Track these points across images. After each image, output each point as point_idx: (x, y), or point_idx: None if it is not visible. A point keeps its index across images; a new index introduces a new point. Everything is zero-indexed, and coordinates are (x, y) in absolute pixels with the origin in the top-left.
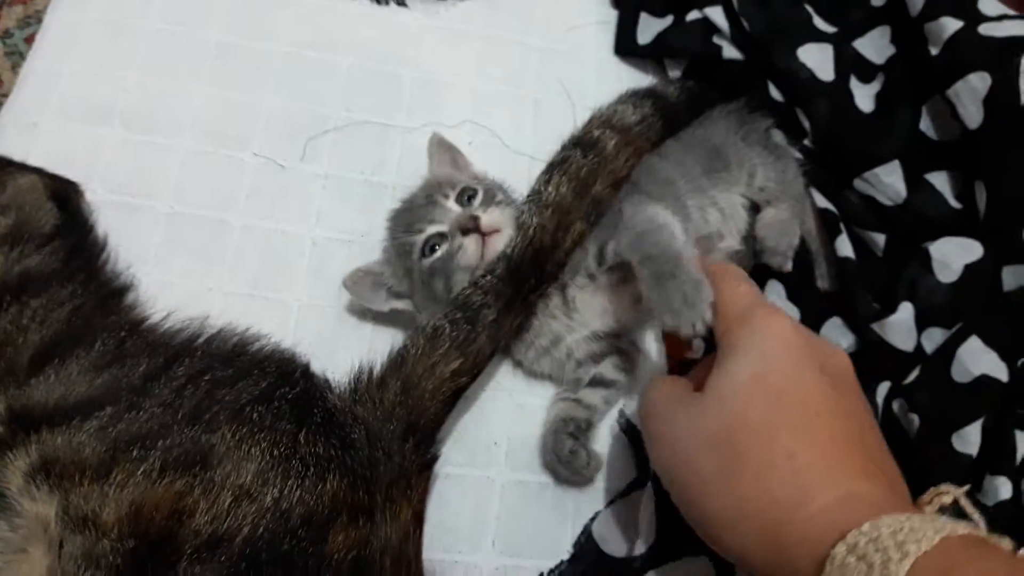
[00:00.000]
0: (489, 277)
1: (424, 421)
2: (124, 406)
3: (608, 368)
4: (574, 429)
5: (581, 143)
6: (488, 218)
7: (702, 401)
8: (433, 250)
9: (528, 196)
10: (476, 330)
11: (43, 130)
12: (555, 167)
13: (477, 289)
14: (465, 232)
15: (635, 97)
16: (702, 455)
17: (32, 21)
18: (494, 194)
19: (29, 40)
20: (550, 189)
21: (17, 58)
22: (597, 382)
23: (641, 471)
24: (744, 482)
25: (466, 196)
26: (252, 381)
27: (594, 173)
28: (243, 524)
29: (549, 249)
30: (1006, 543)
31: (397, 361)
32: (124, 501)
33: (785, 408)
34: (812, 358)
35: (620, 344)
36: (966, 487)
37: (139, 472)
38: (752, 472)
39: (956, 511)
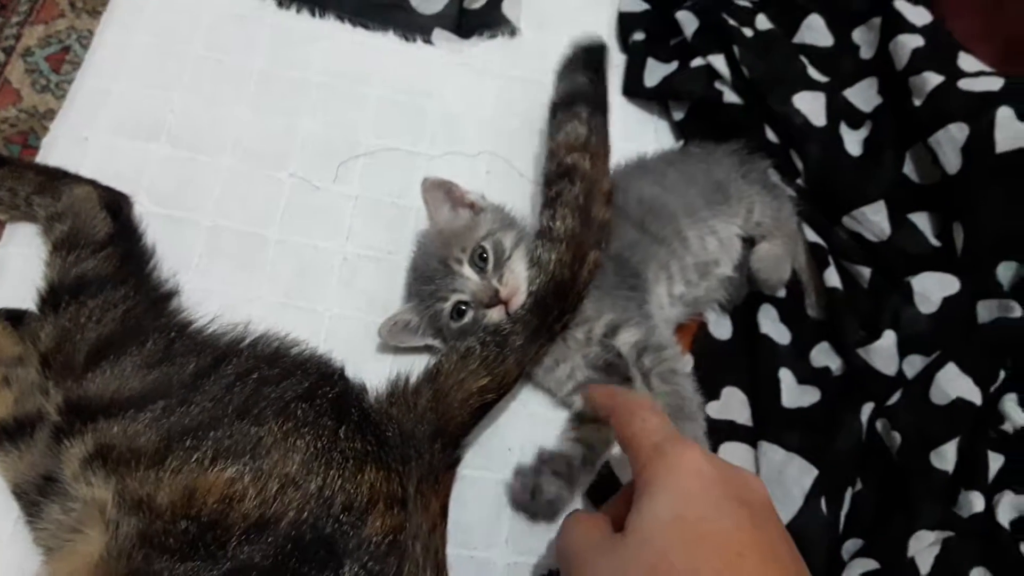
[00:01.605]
0: (518, 309)
1: (451, 427)
2: (176, 400)
3: None
4: (563, 471)
5: (565, 173)
6: (506, 290)
7: (623, 544)
8: (461, 315)
9: (539, 234)
10: (504, 353)
11: (93, 144)
12: (555, 201)
13: (507, 318)
14: (489, 306)
15: (569, 109)
16: None
17: (53, 41)
18: (502, 247)
19: (50, 59)
20: (558, 223)
21: (37, 76)
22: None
23: None
24: None
25: (478, 256)
26: (295, 380)
27: (589, 196)
28: (289, 508)
29: (569, 282)
30: None
31: (431, 373)
32: (178, 486)
33: (707, 551)
34: (730, 492)
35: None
36: None
37: (192, 460)
38: None
39: None
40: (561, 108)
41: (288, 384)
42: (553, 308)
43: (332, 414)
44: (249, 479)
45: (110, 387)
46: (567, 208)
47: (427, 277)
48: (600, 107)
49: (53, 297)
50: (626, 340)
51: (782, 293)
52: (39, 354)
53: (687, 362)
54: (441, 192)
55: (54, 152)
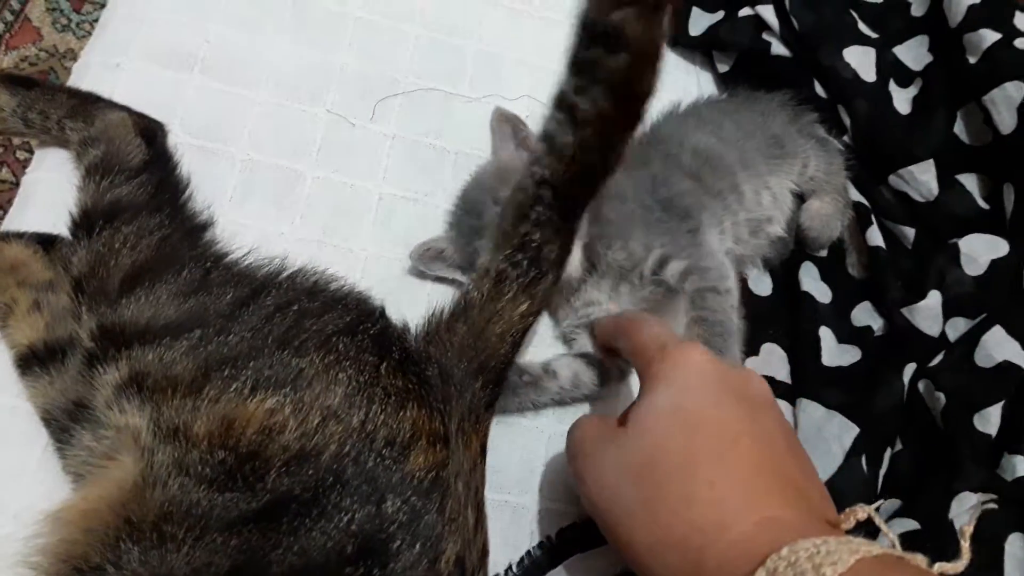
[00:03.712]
0: (540, 208)
1: (494, 362)
2: (214, 330)
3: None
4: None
5: (602, 35)
6: None
7: (625, 434)
8: None
9: (558, 104)
10: (542, 270)
11: (126, 72)
12: (586, 73)
13: (533, 227)
14: None
15: None
16: (626, 486)
17: None
18: None
19: None
20: (587, 102)
21: (58, 15)
22: (584, 356)
23: None
24: (666, 511)
25: None
26: (336, 315)
27: (633, 69)
28: (330, 442)
29: (600, 169)
30: (920, 559)
31: (463, 306)
32: (215, 416)
33: (704, 437)
34: (729, 386)
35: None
36: (877, 504)
37: (231, 389)
38: (674, 501)
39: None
40: None
41: (329, 318)
42: (581, 200)
43: (373, 350)
44: (290, 410)
45: (145, 314)
46: (603, 86)
47: (476, 212)
48: None
49: (87, 221)
50: (675, 270)
51: (824, 252)
52: (72, 278)
53: (731, 281)
54: (510, 127)
55: (86, 78)
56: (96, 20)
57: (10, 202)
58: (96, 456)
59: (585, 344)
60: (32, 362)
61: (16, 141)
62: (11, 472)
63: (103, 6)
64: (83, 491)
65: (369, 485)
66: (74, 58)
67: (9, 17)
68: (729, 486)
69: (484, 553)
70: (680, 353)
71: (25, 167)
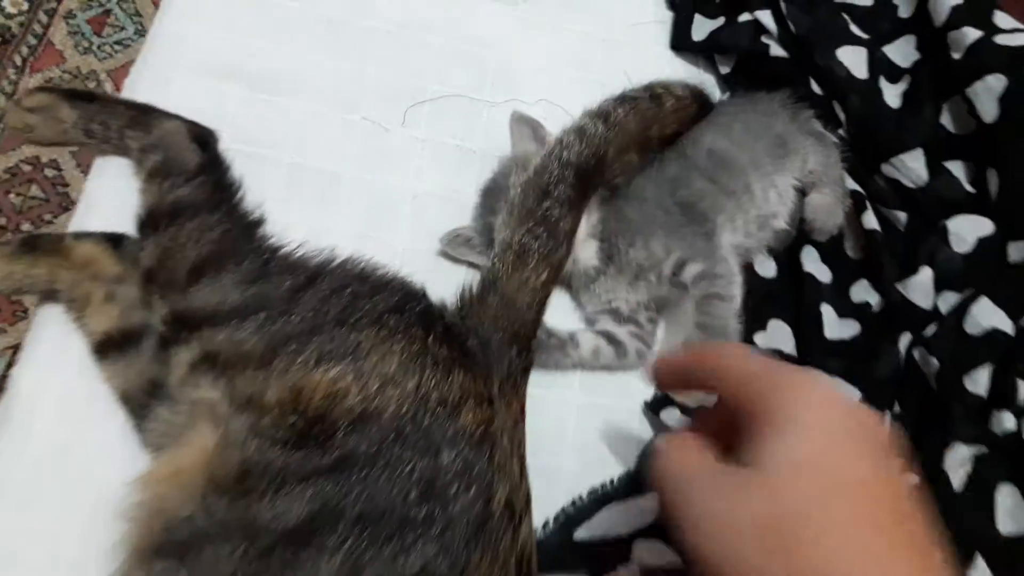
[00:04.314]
0: (562, 187)
1: (524, 330)
2: (277, 311)
3: (623, 333)
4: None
5: (652, 97)
6: None
7: (746, 481)
8: None
9: (593, 113)
10: (559, 241)
11: (176, 84)
12: (626, 101)
13: (554, 203)
14: None
15: (684, 84)
16: (747, 543)
17: (94, 4)
18: None
19: (91, 21)
20: (619, 111)
21: (79, 37)
22: (604, 334)
23: None
24: None
25: None
26: (385, 296)
27: (656, 117)
28: (389, 403)
29: (610, 161)
30: None
31: (491, 279)
32: (285, 385)
33: (847, 504)
34: (867, 432)
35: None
36: None
37: (298, 361)
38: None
39: None
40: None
41: (379, 299)
42: (592, 181)
43: (420, 325)
44: (352, 378)
45: (212, 300)
46: (634, 111)
47: (497, 200)
48: (700, 103)
49: (152, 220)
50: (691, 273)
51: (825, 238)
52: (142, 270)
53: (736, 288)
54: (528, 128)
55: (138, 93)
56: (116, 42)
57: (40, 217)
58: (174, 427)
59: (607, 325)
60: (109, 348)
61: (44, 159)
62: (96, 448)
63: (122, 28)
64: (167, 457)
65: (426, 440)
66: (96, 80)
67: (33, 41)
68: (866, 566)
69: (528, 499)
70: (804, 389)
71: (55, 184)
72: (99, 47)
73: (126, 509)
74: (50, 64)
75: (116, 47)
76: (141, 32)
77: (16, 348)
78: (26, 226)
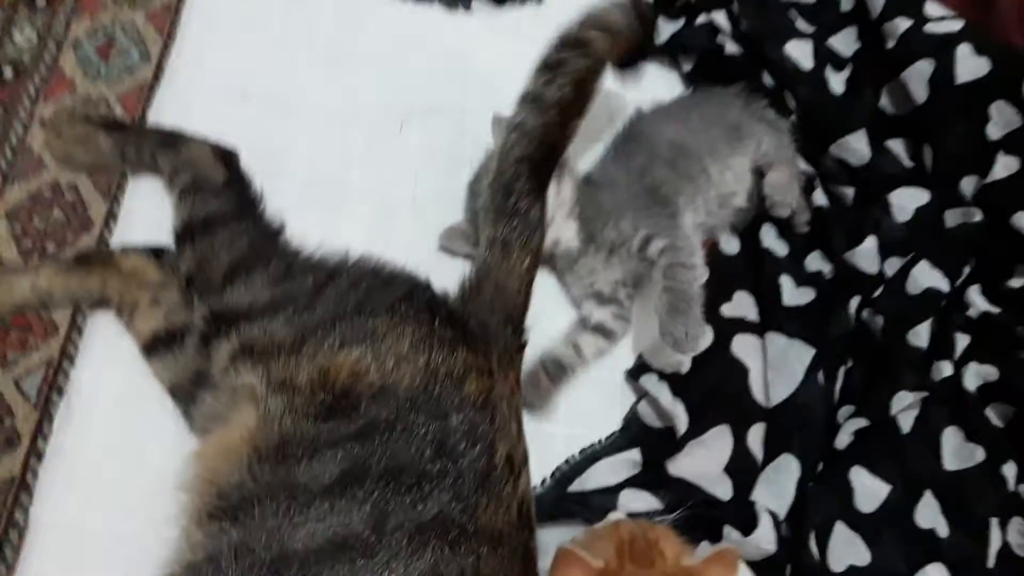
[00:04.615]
0: (521, 181)
1: (517, 312)
2: (303, 305)
3: (609, 317)
4: (551, 368)
5: (579, 45)
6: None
7: None
8: None
9: (525, 97)
10: (534, 228)
11: (195, 111)
12: (556, 67)
13: (519, 196)
14: None
15: (620, 8)
16: None
17: (99, 32)
18: None
19: (99, 50)
20: (552, 91)
21: (88, 65)
22: (598, 329)
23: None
24: None
25: None
26: (395, 287)
27: (592, 72)
28: (404, 378)
29: (560, 145)
30: None
31: (482, 271)
32: (314, 368)
33: None
34: None
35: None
36: None
37: (324, 346)
38: None
39: None
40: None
41: (391, 289)
42: (549, 168)
43: (427, 310)
44: (371, 358)
45: (246, 298)
46: (567, 78)
47: (479, 195)
48: (645, 23)
49: (188, 232)
50: (656, 247)
51: (787, 213)
52: (183, 275)
53: (697, 258)
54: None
55: (163, 118)
56: (124, 67)
57: (64, 238)
58: (219, 411)
59: (594, 313)
60: (157, 346)
61: (63, 183)
62: (150, 435)
63: (128, 54)
64: (214, 435)
65: (437, 406)
66: (107, 104)
67: (44, 71)
68: None
69: (526, 455)
70: None
71: (75, 206)
72: (107, 73)
73: (183, 482)
74: (62, 92)
75: (123, 72)
76: (145, 56)
77: (49, 364)
78: (51, 247)
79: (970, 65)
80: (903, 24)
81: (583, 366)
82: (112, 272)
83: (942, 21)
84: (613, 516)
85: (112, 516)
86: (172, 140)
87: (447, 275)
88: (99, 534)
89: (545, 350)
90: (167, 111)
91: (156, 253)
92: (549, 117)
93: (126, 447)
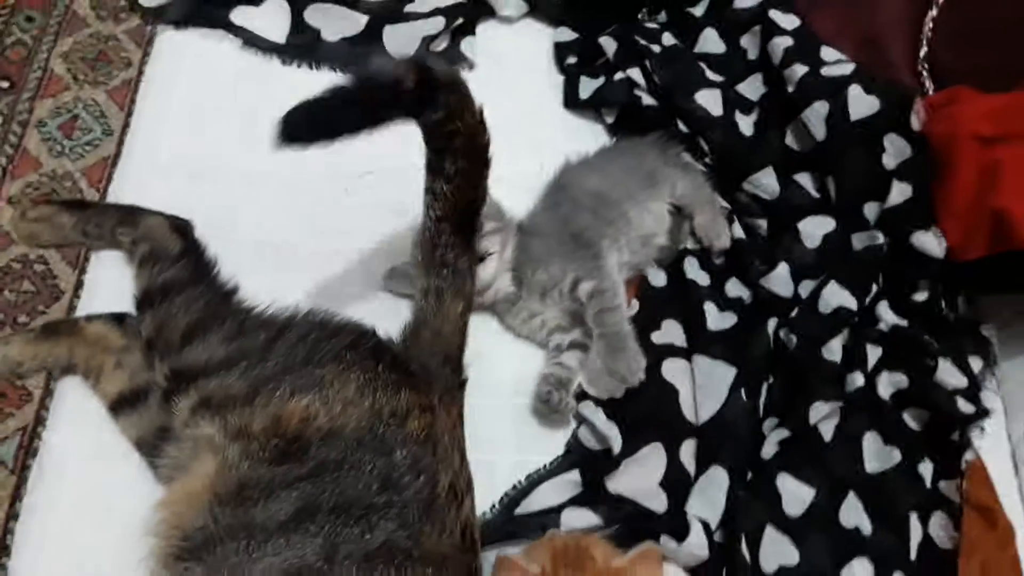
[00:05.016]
0: (445, 236)
1: (454, 353)
2: (256, 359)
3: (579, 335)
4: (554, 382)
5: (448, 125)
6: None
7: None
8: None
9: (433, 171)
10: (463, 276)
11: (151, 187)
12: (444, 150)
13: (444, 249)
14: None
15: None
16: None
17: (62, 111)
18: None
19: (62, 128)
20: (448, 165)
21: (52, 143)
22: (575, 346)
23: None
24: None
25: None
26: (342, 337)
27: (474, 131)
28: (350, 420)
29: (479, 197)
30: None
31: (420, 318)
32: (268, 415)
33: None
34: None
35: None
36: None
37: (276, 396)
38: None
39: None
40: None
41: (337, 340)
42: (471, 221)
43: (372, 357)
44: (319, 404)
45: (203, 356)
46: (455, 153)
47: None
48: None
49: (147, 299)
50: (585, 290)
51: (726, 244)
52: (144, 339)
53: (620, 299)
54: None
55: (122, 196)
56: (87, 143)
57: (35, 308)
58: (182, 461)
59: (561, 338)
60: (123, 405)
61: (32, 256)
62: (118, 486)
63: (90, 130)
64: (178, 483)
65: (381, 444)
66: (72, 180)
67: (9, 151)
68: None
69: (469, 482)
70: None
71: (44, 278)
72: (71, 149)
73: (150, 527)
74: (28, 170)
75: (87, 148)
76: (108, 131)
77: (24, 430)
78: (22, 318)
79: (862, 104)
80: (800, 70)
81: (577, 375)
82: (78, 340)
83: (835, 65)
84: (554, 533)
85: (85, 565)
86: (130, 215)
87: (394, 319)
88: None
89: (540, 377)
90: (125, 189)
91: (119, 319)
92: (456, 183)
93: (96, 500)
